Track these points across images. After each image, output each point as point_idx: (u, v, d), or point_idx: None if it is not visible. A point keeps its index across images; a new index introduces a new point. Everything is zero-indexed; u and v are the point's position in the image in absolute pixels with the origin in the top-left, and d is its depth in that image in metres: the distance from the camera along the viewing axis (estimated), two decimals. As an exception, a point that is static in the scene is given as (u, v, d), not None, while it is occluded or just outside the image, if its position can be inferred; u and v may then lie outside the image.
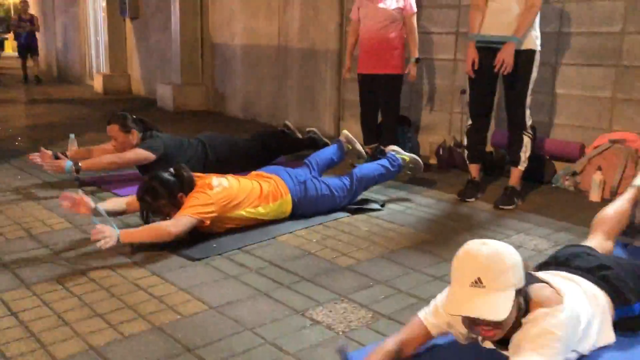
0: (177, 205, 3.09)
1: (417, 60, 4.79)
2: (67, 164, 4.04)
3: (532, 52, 3.79)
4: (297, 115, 6.98)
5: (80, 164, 4.07)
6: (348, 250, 3.06)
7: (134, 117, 4.41)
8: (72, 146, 4.81)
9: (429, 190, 4.30)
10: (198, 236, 3.11)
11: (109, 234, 2.77)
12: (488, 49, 3.84)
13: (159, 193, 3.08)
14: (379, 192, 4.13)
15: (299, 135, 5.49)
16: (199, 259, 2.90)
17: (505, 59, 3.73)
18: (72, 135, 4.85)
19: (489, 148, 4.79)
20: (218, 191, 3.14)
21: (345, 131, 4.31)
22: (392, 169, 3.96)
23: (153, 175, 3.16)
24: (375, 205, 3.80)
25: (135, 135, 4.32)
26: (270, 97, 7.48)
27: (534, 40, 3.78)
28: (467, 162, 4.24)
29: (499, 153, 4.82)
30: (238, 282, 2.65)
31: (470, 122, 4.13)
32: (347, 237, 3.27)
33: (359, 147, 4.30)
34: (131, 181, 4.36)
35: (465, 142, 4.21)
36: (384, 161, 3.99)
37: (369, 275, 2.75)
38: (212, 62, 8.64)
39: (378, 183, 3.95)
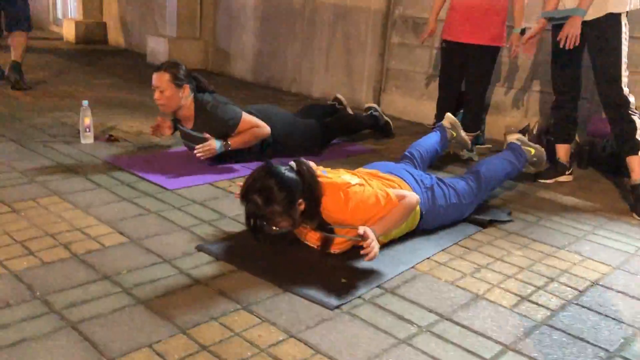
0: (292, 215, 2.25)
1: (523, 32, 3.96)
2: (217, 144, 3.37)
3: (614, 17, 3.19)
4: (324, 83, 6.06)
5: (229, 142, 3.41)
6: (526, 293, 2.25)
7: (189, 71, 3.48)
8: (86, 116, 3.82)
9: (534, 186, 3.55)
10: (305, 264, 2.26)
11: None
12: (560, 26, 3.36)
13: (276, 196, 2.21)
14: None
15: (351, 111, 4.63)
16: (337, 307, 2.05)
17: (569, 32, 3.24)
18: (85, 103, 3.84)
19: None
20: (357, 190, 2.33)
21: (449, 114, 3.50)
22: (518, 165, 3.22)
23: (270, 169, 2.26)
24: (504, 216, 3.01)
25: (186, 93, 3.40)
26: (291, 59, 6.49)
27: (619, 1, 3.17)
28: (554, 141, 3.74)
29: (594, 144, 4.12)
30: (418, 353, 1.82)
31: (554, 98, 3.65)
32: (506, 267, 2.46)
33: (463, 134, 3.52)
34: (150, 163, 3.49)
35: (552, 121, 3.75)
36: (507, 154, 3.22)
37: (585, 337, 1.96)
38: (213, 13, 7.54)
39: (502, 183, 3.19)
